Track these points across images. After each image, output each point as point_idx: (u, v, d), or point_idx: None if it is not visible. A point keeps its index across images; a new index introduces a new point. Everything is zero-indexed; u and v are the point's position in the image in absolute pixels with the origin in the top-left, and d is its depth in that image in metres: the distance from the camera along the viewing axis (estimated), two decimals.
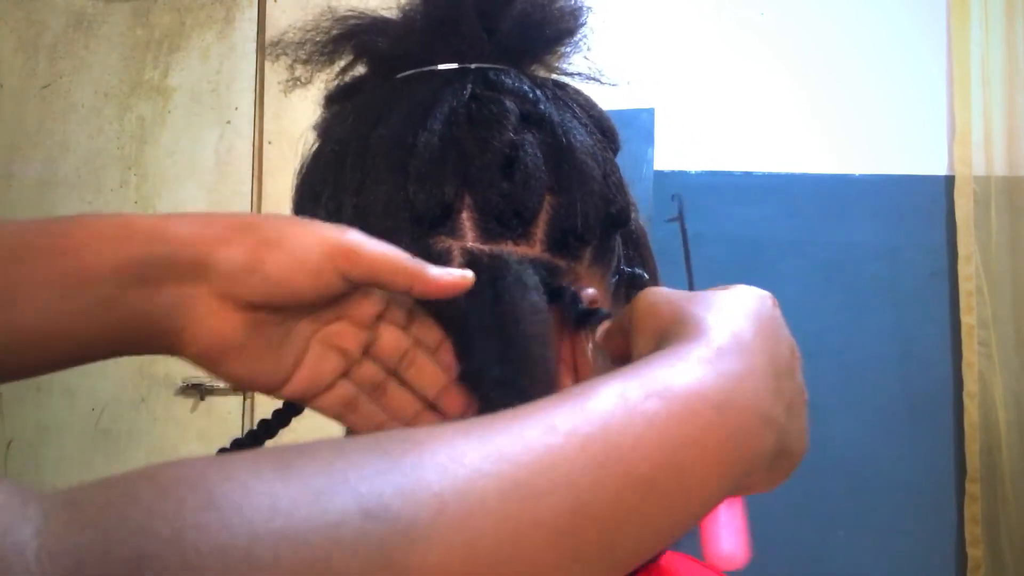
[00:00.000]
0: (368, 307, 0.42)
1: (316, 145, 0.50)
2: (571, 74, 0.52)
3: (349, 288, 0.39)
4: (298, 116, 1.89)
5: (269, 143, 1.97)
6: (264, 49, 1.97)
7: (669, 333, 0.35)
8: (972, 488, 1.79)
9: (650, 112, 1.89)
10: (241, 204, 1.95)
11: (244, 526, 0.21)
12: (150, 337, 0.37)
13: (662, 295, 0.38)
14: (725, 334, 0.34)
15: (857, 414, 1.87)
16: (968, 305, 1.83)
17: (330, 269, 0.37)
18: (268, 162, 1.95)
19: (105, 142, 2.01)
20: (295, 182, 0.50)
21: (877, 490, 1.85)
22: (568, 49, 0.51)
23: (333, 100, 0.52)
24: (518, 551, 0.24)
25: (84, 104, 2.02)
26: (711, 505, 0.31)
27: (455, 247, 0.43)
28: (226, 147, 1.99)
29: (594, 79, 0.52)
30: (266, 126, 1.97)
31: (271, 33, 1.98)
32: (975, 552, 1.78)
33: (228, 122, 2.00)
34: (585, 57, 0.52)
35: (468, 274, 0.40)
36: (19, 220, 0.35)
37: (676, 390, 0.30)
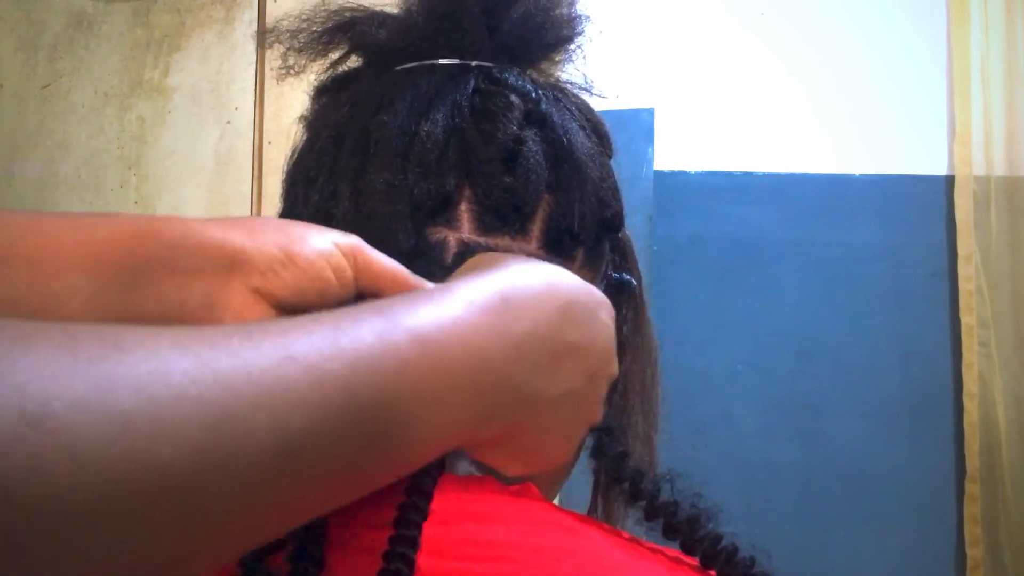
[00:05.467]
0: None
1: (308, 134, 0.49)
2: (565, 82, 0.52)
3: (355, 297, 0.39)
4: (299, 116, 1.88)
5: (269, 143, 1.97)
6: (264, 49, 1.97)
7: (467, 271, 0.36)
8: (972, 488, 1.79)
9: (650, 112, 1.89)
10: (241, 204, 1.95)
11: None
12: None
13: (496, 253, 0.39)
14: (513, 288, 0.35)
15: (857, 414, 1.87)
16: (968, 305, 1.83)
17: (347, 269, 0.38)
18: (268, 162, 1.95)
19: (105, 142, 2.01)
20: (286, 167, 0.49)
21: (877, 490, 1.85)
22: (564, 57, 0.51)
23: (324, 91, 0.51)
24: (206, 483, 0.22)
25: (84, 104, 2.02)
26: (438, 452, 0.32)
27: (452, 238, 0.43)
28: (226, 147, 1.99)
29: (586, 89, 0.52)
30: (266, 126, 1.97)
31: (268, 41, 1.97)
32: (975, 552, 1.78)
33: (228, 122, 2.00)
34: (577, 69, 0.52)
35: None
36: (36, 213, 0.35)
37: (437, 337, 0.30)
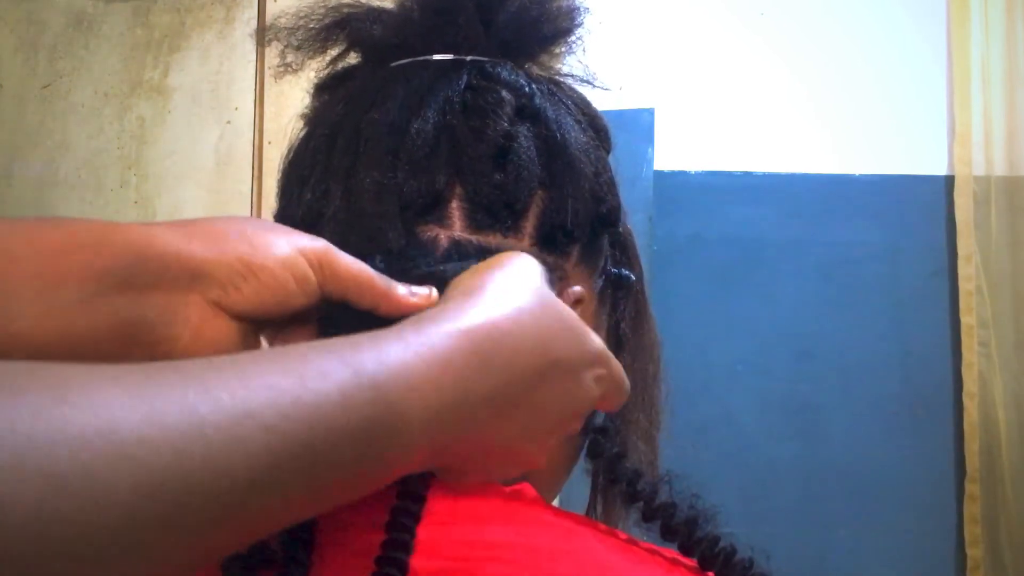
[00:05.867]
0: None
1: (305, 131, 0.49)
2: (565, 75, 0.52)
3: (321, 302, 0.38)
4: (298, 117, 1.88)
5: (269, 143, 1.97)
6: (264, 49, 1.97)
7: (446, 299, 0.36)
8: (972, 488, 1.79)
9: (650, 112, 1.89)
10: (241, 204, 1.95)
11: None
12: (144, 344, 0.36)
13: (469, 274, 0.38)
14: (478, 328, 0.34)
15: (857, 414, 1.87)
16: (968, 305, 1.83)
17: (311, 276, 0.37)
18: (268, 162, 1.95)
19: (105, 142, 2.01)
20: (281, 166, 0.49)
21: (877, 490, 1.85)
22: (563, 49, 0.51)
23: (323, 88, 0.51)
24: (139, 550, 0.22)
25: (84, 104, 2.02)
26: (358, 489, 0.31)
27: (443, 236, 0.43)
28: (226, 147, 1.99)
29: (587, 82, 0.52)
30: (266, 126, 1.97)
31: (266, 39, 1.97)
32: (975, 552, 1.78)
33: (228, 122, 2.00)
34: (580, 61, 0.52)
35: (433, 294, 0.39)
36: None
37: (377, 378, 0.30)
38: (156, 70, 2.02)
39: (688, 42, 2.01)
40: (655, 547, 0.40)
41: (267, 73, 1.97)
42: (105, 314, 0.34)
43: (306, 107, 0.51)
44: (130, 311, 0.34)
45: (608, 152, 0.51)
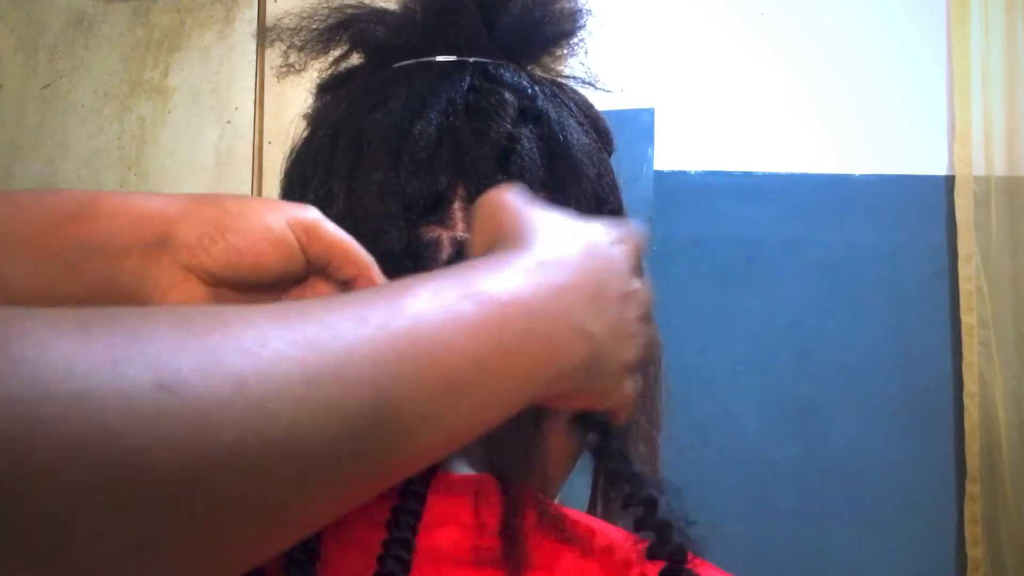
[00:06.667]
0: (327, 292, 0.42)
1: (307, 131, 0.49)
2: (567, 76, 0.52)
3: (306, 270, 0.39)
4: (298, 116, 1.88)
5: (269, 143, 1.97)
6: (264, 49, 1.97)
7: (499, 240, 0.36)
8: (972, 488, 1.79)
9: (650, 112, 1.89)
10: None
11: (37, 383, 0.20)
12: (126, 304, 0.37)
13: (507, 201, 0.39)
14: (549, 249, 0.35)
15: (857, 414, 1.87)
16: (968, 305, 1.83)
17: (292, 240, 0.38)
18: (268, 162, 1.95)
19: (105, 142, 2.01)
20: (284, 167, 0.49)
21: (877, 490, 1.85)
22: (565, 51, 0.51)
23: (326, 89, 0.51)
24: (313, 435, 0.24)
25: (84, 104, 2.02)
26: (515, 407, 0.32)
27: (445, 236, 0.43)
28: (226, 147, 1.99)
29: (590, 84, 0.52)
30: (266, 126, 1.97)
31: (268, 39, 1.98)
32: (975, 552, 1.78)
33: (228, 122, 2.00)
34: (581, 62, 0.52)
35: None
36: None
37: (491, 295, 0.31)
38: (156, 70, 2.02)
39: (688, 42, 2.01)
40: None
41: (267, 73, 1.98)
42: (84, 278, 0.36)
43: (309, 107, 0.51)
44: (106, 275, 0.36)
45: (610, 154, 0.51)
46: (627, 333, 0.37)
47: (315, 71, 0.51)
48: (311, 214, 0.38)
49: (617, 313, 0.36)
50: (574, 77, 0.52)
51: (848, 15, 1.99)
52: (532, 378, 0.31)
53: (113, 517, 0.21)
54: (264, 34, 1.98)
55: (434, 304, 0.29)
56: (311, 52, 0.50)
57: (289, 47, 0.49)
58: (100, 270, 0.36)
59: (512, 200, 0.38)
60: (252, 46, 2.00)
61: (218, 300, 0.38)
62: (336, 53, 0.51)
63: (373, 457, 0.26)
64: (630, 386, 0.39)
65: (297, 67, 0.50)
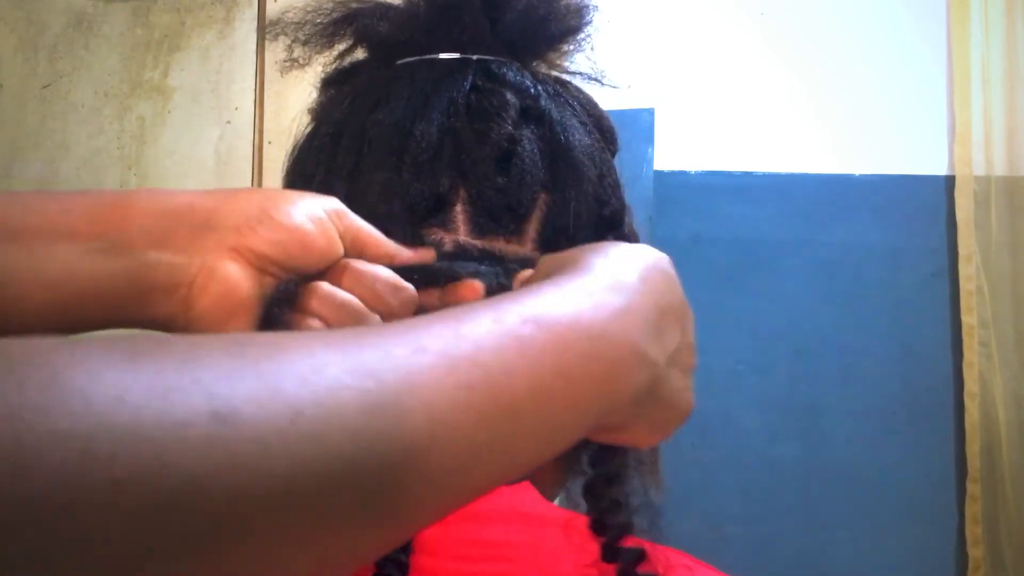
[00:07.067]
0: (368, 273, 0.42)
1: (310, 127, 0.49)
2: (573, 73, 0.51)
3: (339, 257, 0.39)
4: (298, 116, 1.88)
5: (269, 143, 1.97)
6: (264, 49, 1.97)
7: (556, 271, 0.35)
8: (972, 488, 1.79)
9: (650, 112, 1.89)
10: None
11: (88, 415, 0.20)
12: (162, 288, 0.37)
13: (567, 251, 0.38)
14: (607, 273, 0.34)
15: (857, 414, 1.87)
16: (968, 305, 1.83)
17: (331, 225, 0.38)
18: (268, 162, 1.95)
19: (105, 142, 2.01)
20: (286, 163, 0.49)
21: (877, 490, 1.84)
22: (571, 47, 0.51)
23: (330, 83, 0.51)
24: (370, 466, 0.24)
25: (84, 104, 2.02)
26: (575, 436, 0.31)
27: (447, 239, 0.43)
28: (226, 147, 1.99)
29: (596, 80, 0.52)
30: (266, 126, 1.97)
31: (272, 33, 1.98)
32: (976, 552, 1.78)
33: (228, 122, 2.00)
34: (588, 57, 0.51)
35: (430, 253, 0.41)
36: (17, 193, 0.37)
37: (551, 317, 0.30)
38: (156, 70, 2.02)
39: (688, 42, 2.01)
40: (655, 545, 0.40)
41: (267, 73, 1.97)
42: (124, 264, 0.36)
43: (313, 101, 0.51)
44: (148, 259, 0.36)
45: (615, 153, 0.51)
46: (683, 362, 0.37)
47: (317, 69, 0.51)
48: (340, 204, 0.39)
49: (674, 338, 0.36)
50: (580, 73, 0.52)
51: (848, 15, 1.98)
52: (593, 406, 0.31)
53: (166, 549, 0.20)
54: (265, 32, 1.97)
55: (493, 329, 0.28)
56: (315, 46, 0.50)
57: (293, 41, 0.49)
58: (144, 253, 0.36)
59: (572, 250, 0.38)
60: (252, 46, 2.00)
61: (261, 283, 0.38)
62: (340, 48, 0.50)
63: (430, 488, 0.26)
64: (681, 418, 0.38)
65: (301, 62, 0.50)
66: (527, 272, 0.42)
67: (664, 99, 1.94)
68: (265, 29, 1.99)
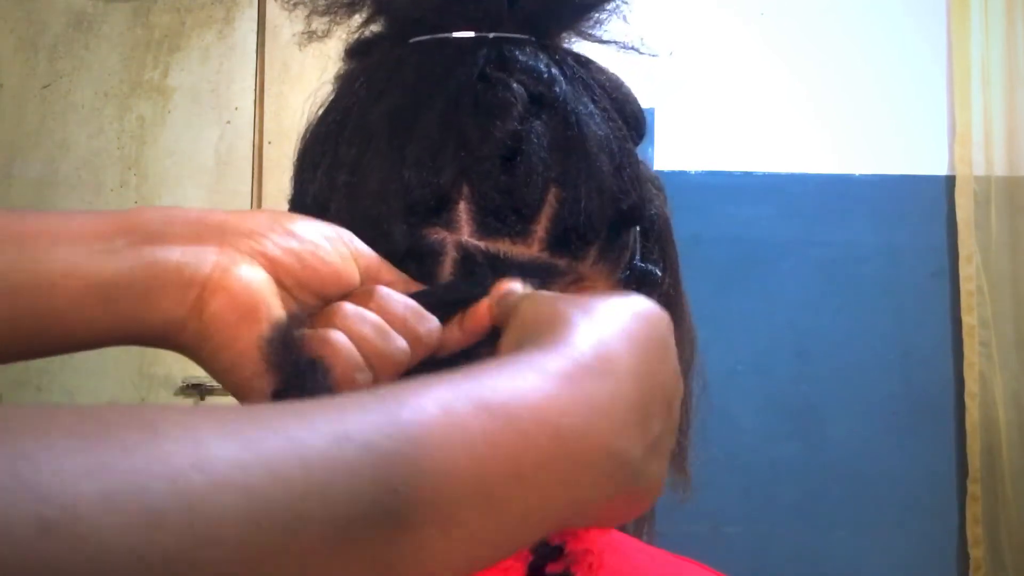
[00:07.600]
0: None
1: (323, 109, 0.47)
2: (606, 42, 0.48)
3: (356, 283, 0.39)
4: (298, 116, 1.88)
5: (269, 143, 1.96)
6: (264, 49, 1.97)
7: (533, 333, 0.31)
8: (973, 488, 1.79)
9: (650, 112, 1.89)
10: (241, 204, 1.95)
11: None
12: (170, 286, 0.36)
13: (545, 296, 0.35)
14: (591, 349, 0.29)
15: (857, 414, 1.87)
16: (968, 305, 1.83)
17: (343, 247, 0.38)
18: (268, 162, 1.95)
19: (105, 142, 2.01)
20: (299, 146, 0.48)
21: (877, 490, 1.85)
22: (601, 15, 0.47)
23: (352, 54, 0.49)
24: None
25: (84, 104, 2.02)
26: (515, 549, 0.27)
27: (449, 240, 0.41)
28: (226, 147, 1.99)
29: (633, 48, 0.48)
30: (266, 126, 1.97)
31: (271, 33, 1.98)
32: (976, 552, 1.78)
33: (228, 122, 2.00)
34: (624, 21, 0.47)
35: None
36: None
37: (512, 408, 0.25)
38: (156, 70, 2.02)
39: (688, 42, 2.01)
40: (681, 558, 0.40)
41: (268, 71, 1.97)
42: (130, 263, 0.35)
43: (339, 70, 0.49)
44: (156, 256, 0.36)
45: (640, 138, 0.48)
46: (662, 448, 0.32)
47: (321, 73, 0.50)
48: (349, 233, 0.39)
49: (659, 426, 0.31)
50: (614, 41, 0.48)
51: (848, 15, 1.98)
52: (551, 515, 0.26)
53: None
54: (264, 42, 1.96)
55: (438, 418, 0.24)
56: (334, 16, 0.47)
57: (311, 12, 0.47)
58: (151, 251, 0.35)
59: (552, 295, 0.35)
60: (252, 46, 2.00)
61: (276, 295, 0.37)
62: (360, 18, 0.48)
63: None
64: (650, 502, 0.33)
65: (320, 34, 0.47)
66: (505, 284, 0.39)
67: (664, 99, 1.94)
68: (265, 28, 1.99)
